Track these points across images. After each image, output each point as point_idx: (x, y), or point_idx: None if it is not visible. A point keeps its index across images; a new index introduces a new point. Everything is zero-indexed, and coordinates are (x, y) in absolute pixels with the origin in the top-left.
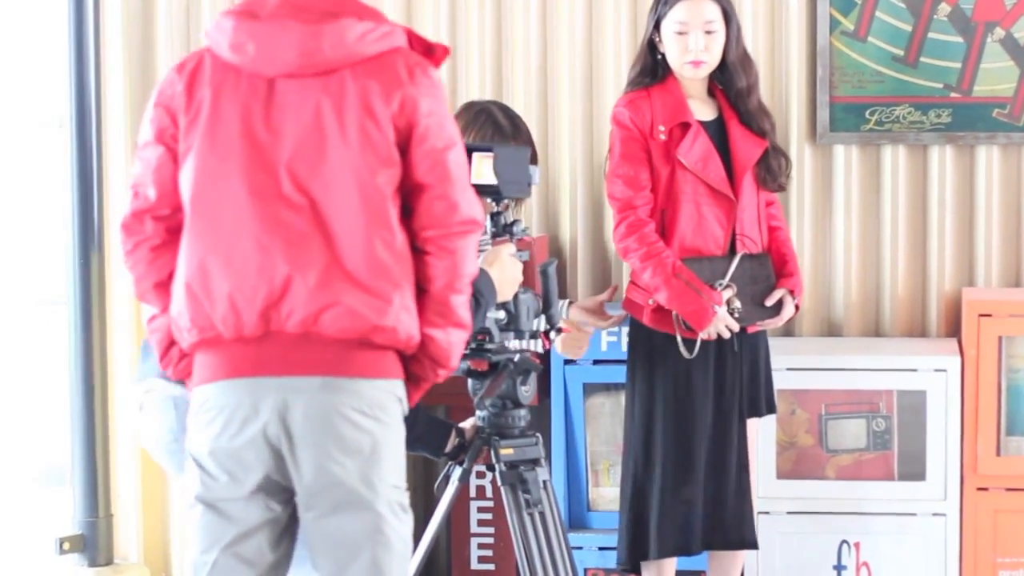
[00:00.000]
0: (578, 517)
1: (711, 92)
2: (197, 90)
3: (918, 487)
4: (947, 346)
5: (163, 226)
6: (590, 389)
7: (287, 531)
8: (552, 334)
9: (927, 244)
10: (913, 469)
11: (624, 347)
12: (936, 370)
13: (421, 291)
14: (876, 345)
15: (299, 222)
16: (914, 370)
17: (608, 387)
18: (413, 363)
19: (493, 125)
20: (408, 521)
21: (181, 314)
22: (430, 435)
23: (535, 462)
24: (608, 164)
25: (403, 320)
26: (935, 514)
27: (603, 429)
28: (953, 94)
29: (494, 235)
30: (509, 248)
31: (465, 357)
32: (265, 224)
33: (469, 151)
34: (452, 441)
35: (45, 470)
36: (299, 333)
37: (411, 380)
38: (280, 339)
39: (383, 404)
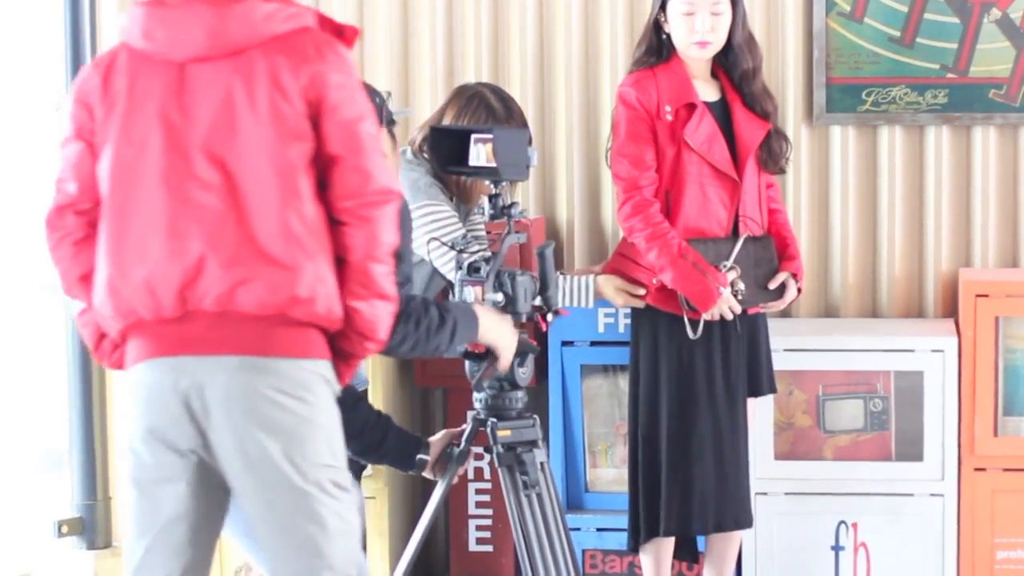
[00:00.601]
0: (576, 498)
1: (714, 74)
2: (113, 82)
3: (915, 467)
4: (944, 327)
5: (85, 220)
6: (588, 370)
7: (218, 514)
8: (549, 316)
9: (924, 225)
10: (910, 449)
11: (621, 329)
12: (933, 351)
13: (341, 263)
14: (873, 326)
15: (212, 201)
16: (911, 351)
17: (606, 368)
18: (341, 339)
19: (486, 109)
20: (346, 499)
21: (104, 303)
22: (399, 450)
23: (533, 443)
24: (612, 143)
25: (319, 292)
26: (932, 494)
27: (601, 410)
28: (949, 75)
29: (492, 217)
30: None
31: None
32: (178, 206)
33: (468, 134)
34: (419, 456)
35: (44, 454)
36: (216, 312)
37: (341, 357)
38: (199, 318)
39: (306, 384)
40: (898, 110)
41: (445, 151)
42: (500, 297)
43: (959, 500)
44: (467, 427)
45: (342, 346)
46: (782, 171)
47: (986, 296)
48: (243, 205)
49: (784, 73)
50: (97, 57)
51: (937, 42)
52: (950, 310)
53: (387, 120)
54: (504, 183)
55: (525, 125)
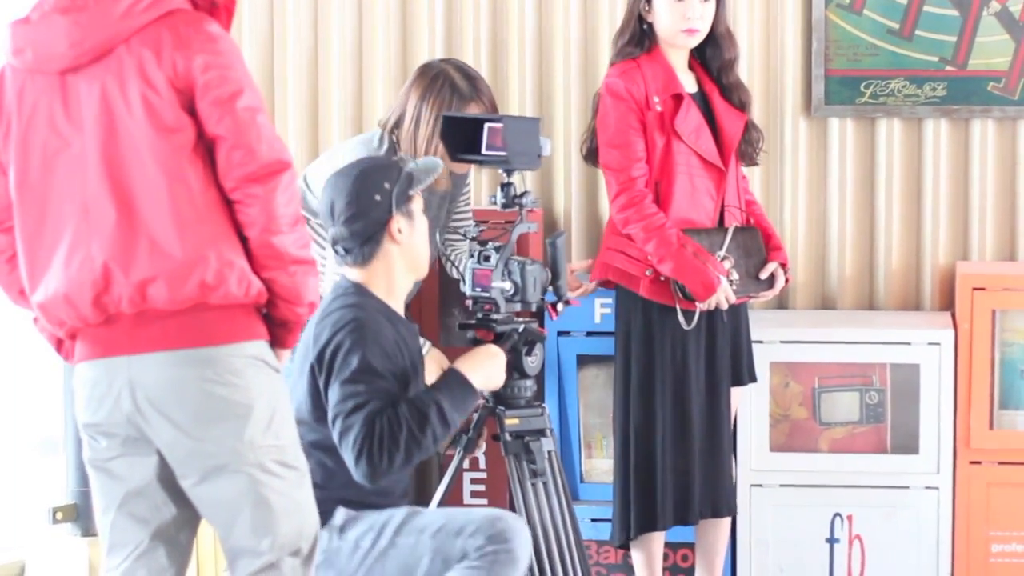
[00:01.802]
0: (570, 489)
1: (689, 65)
2: (3, 101)
3: (911, 460)
4: (941, 320)
5: (12, 237)
6: (583, 361)
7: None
8: (560, 306)
9: (921, 217)
10: (906, 442)
11: None
12: (930, 343)
13: (244, 240)
14: (870, 318)
15: (107, 208)
16: (908, 343)
17: (601, 359)
18: (271, 307)
19: (451, 88)
20: (292, 476)
21: (39, 316)
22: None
23: (541, 432)
24: (598, 134)
25: (228, 275)
26: (928, 487)
27: (596, 401)
28: (948, 67)
29: (504, 206)
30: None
31: (470, 327)
32: (79, 218)
33: (481, 122)
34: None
35: (41, 440)
36: (135, 313)
37: (277, 324)
38: (121, 320)
39: (236, 369)
40: (897, 102)
41: (457, 139)
42: (508, 286)
43: (954, 493)
44: (475, 415)
45: (273, 314)
46: (755, 162)
47: (983, 289)
48: (135, 207)
49: (783, 65)
50: None
51: (936, 35)
52: (947, 303)
53: (400, 192)
54: (514, 172)
55: (493, 103)
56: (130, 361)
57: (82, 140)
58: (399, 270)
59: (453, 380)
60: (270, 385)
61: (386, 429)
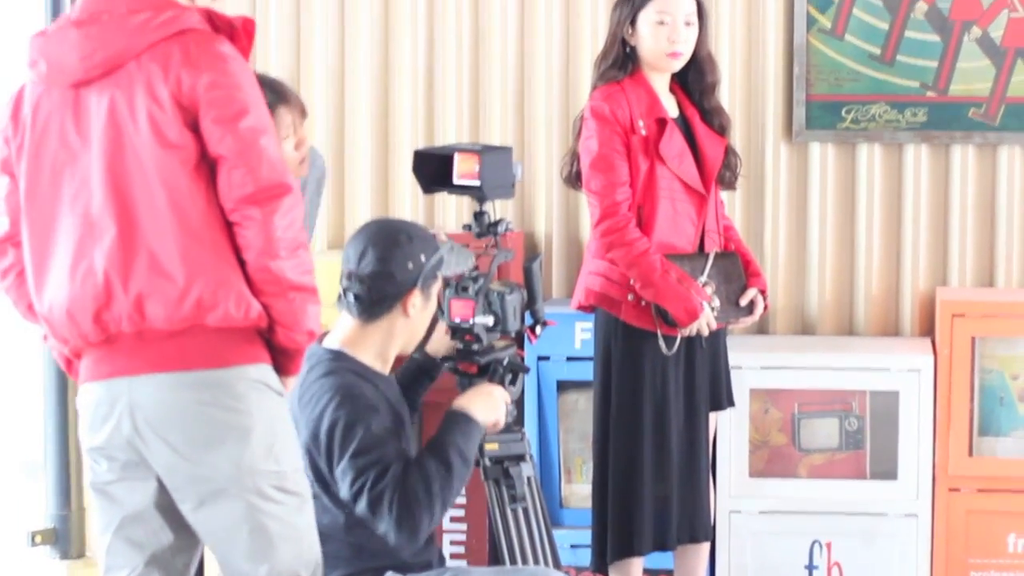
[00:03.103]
0: (550, 514)
1: (670, 88)
2: (20, 115)
3: (890, 487)
4: (920, 346)
5: (22, 252)
6: (564, 386)
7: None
8: (538, 328)
9: (901, 243)
10: (885, 469)
11: None
12: (909, 370)
13: (242, 263)
14: (850, 344)
15: (108, 222)
16: (887, 370)
17: (581, 384)
18: (271, 333)
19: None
20: (292, 502)
21: (46, 331)
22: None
23: (520, 458)
24: (581, 158)
25: (223, 296)
26: (907, 514)
27: (576, 426)
28: (929, 93)
29: (478, 235)
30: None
31: (453, 359)
32: (83, 232)
33: (454, 151)
34: None
35: (21, 464)
36: (134, 332)
37: (281, 352)
38: (121, 341)
39: (236, 393)
40: (877, 128)
41: (428, 172)
42: (491, 320)
43: (933, 520)
44: None
45: (273, 340)
46: (733, 187)
47: (963, 316)
48: (136, 222)
49: (764, 89)
50: (10, 91)
51: (917, 60)
52: (927, 329)
53: (430, 270)
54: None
55: (303, 109)
56: (130, 383)
57: (89, 153)
58: (395, 342)
59: (460, 419)
60: (272, 409)
61: (419, 485)
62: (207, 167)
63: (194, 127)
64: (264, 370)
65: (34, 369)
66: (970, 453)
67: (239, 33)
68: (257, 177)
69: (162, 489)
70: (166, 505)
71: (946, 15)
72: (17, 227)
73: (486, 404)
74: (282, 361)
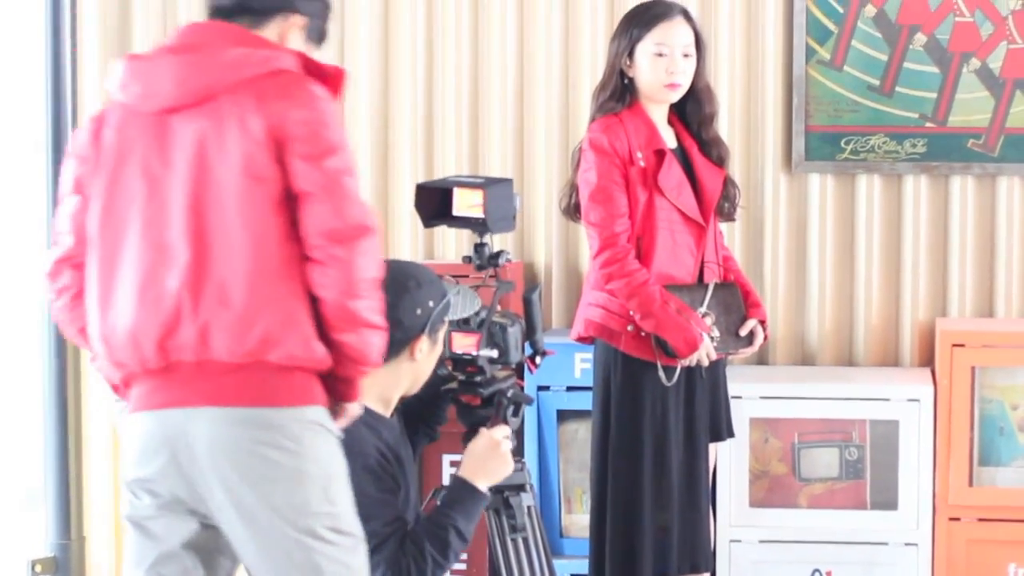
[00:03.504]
0: (551, 544)
1: (668, 120)
2: (102, 136)
3: (890, 516)
4: (920, 376)
5: (82, 274)
6: (563, 415)
7: (219, 555)
8: (537, 359)
9: (901, 274)
10: (885, 498)
11: None
12: (909, 400)
13: (318, 300)
14: (849, 374)
15: (184, 251)
16: (887, 400)
17: (581, 414)
18: (335, 364)
19: None
20: (346, 542)
21: (100, 354)
22: None
23: (520, 487)
24: (580, 189)
25: (289, 335)
26: (907, 544)
27: (576, 456)
28: (928, 124)
29: (479, 267)
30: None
31: (455, 391)
32: (156, 257)
33: (456, 185)
34: None
35: (22, 493)
36: (195, 362)
37: (341, 381)
38: (181, 370)
39: (293, 433)
40: (877, 159)
41: (429, 206)
42: (495, 353)
43: (934, 550)
44: (454, 470)
45: (338, 371)
46: (732, 219)
47: (962, 346)
48: (210, 253)
49: (763, 120)
50: (93, 113)
51: (916, 91)
52: (927, 359)
53: (438, 315)
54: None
55: None
56: (187, 415)
57: (171, 180)
58: (400, 385)
59: (464, 493)
60: (327, 451)
61: (412, 568)
62: (288, 203)
63: (280, 161)
64: (320, 412)
65: (35, 397)
66: (970, 483)
67: (331, 80)
68: (343, 215)
69: (202, 529)
70: (202, 545)
71: (945, 46)
72: (80, 247)
73: (494, 467)
74: (342, 388)
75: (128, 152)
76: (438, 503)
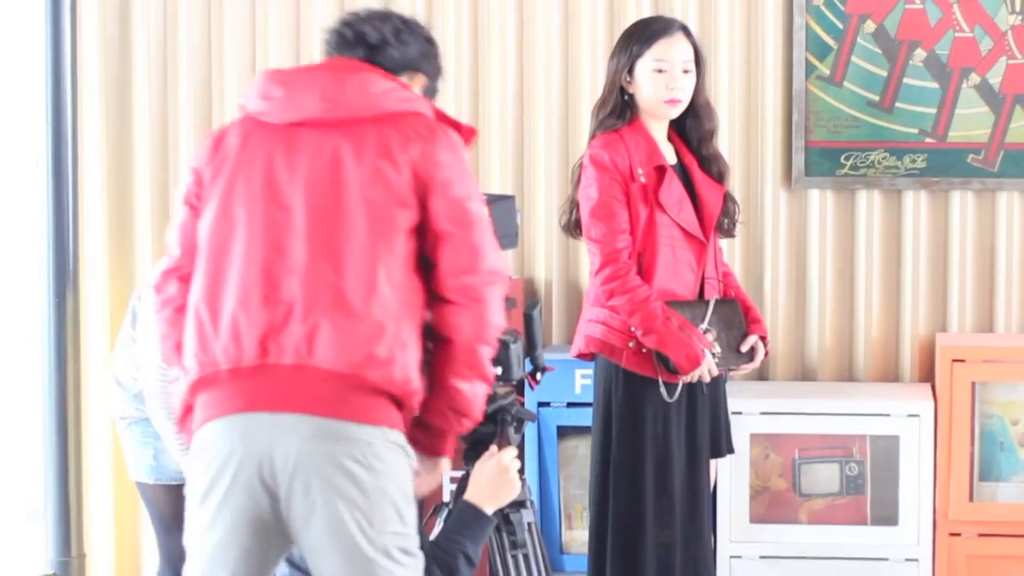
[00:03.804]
0: (551, 560)
1: (668, 136)
2: (224, 146)
3: (891, 532)
4: (920, 391)
5: (187, 287)
6: (564, 432)
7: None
8: (538, 375)
9: (901, 289)
10: (886, 514)
11: None
12: (909, 415)
13: (446, 341)
14: (850, 390)
15: (306, 253)
16: (887, 415)
17: (582, 430)
18: (432, 414)
19: None
20: (411, 563)
21: (189, 352)
22: None
23: (520, 504)
24: (580, 206)
25: (398, 355)
26: (908, 559)
27: (577, 472)
28: (928, 139)
29: None
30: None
31: None
32: (273, 256)
33: None
34: None
35: (23, 509)
36: (293, 366)
37: (428, 431)
38: (274, 373)
39: (377, 451)
40: (877, 174)
41: None
42: (498, 370)
43: (934, 565)
44: (455, 486)
45: (431, 421)
46: (732, 235)
47: (963, 361)
48: (334, 261)
49: (763, 136)
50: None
51: (916, 107)
52: (927, 374)
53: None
54: None
55: None
56: (275, 421)
57: (294, 185)
58: None
59: (472, 518)
60: (406, 472)
61: None
62: (416, 238)
63: (421, 197)
64: (402, 437)
65: (36, 413)
66: (971, 498)
67: (464, 133)
68: (486, 260)
69: (262, 547)
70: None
71: (944, 62)
72: (187, 259)
73: (503, 493)
74: (434, 442)
75: (250, 160)
76: (445, 526)
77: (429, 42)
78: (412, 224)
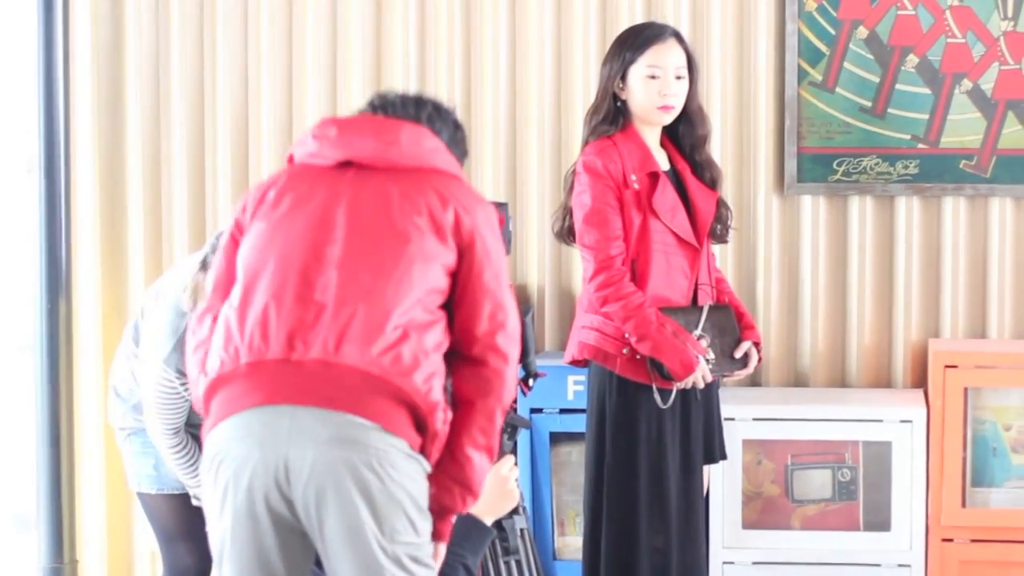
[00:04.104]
0: (543, 566)
1: (660, 142)
2: (272, 183)
3: (883, 538)
4: (913, 397)
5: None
6: (557, 438)
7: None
8: (531, 381)
9: (894, 295)
10: (878, 520)
11: None
12: (902, 421)
13: (464, 404)
14: (842, 396)
15: (343, 260)
16: (880, 421)
17: (574, 436)
18: (441, 491)
19: None
20: (424, 573)
21: (211, 354)
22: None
23: (513, 510)
24: (574, 212)
25: (423, 363)
26: (900, 565)
27: (570, 478)
28: (920, 145)
29: None
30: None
31: None
32: (312, 262)
33: None
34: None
35: (13, 516)
36: (318, 360)
37: (437, 512)
38: (298, 368)
39: (392, 460)
40: (869, 180)
41: None
42: None
43: (927, 571)
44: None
45: (440, 500)
46: (725, 240)
47: (955, 367)
48: (372, 268)
49: (755, 142)
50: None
51: (908, 112)
52: (919, 380)
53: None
54: None
55: None
56: (293, 420)
57: (338, 206)
58: None
59: (473, 530)
60: (421, 482)
61: None
62: (450, 280)
63: (462, 250)
64: (418, 452)
65: (27, 421)
66: (963, 504)
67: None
68: (515, 324)
69: (280, 547)
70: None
71: (937, 68)
72: (220, 298)
73: (503, 504)
74: (436, 524)
75: (298, 190)
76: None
77: (457, 127)
78: (447, 266)
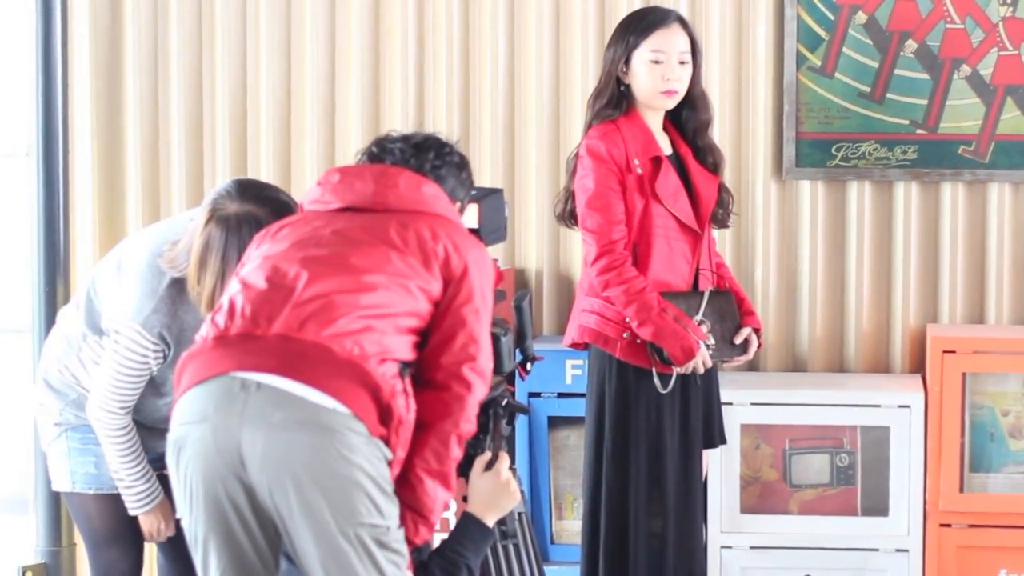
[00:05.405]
0: (541, 550)
1: (663, 127)
2: (280, 225)
3: (881, 523)
4: (911, 382)
5: None
6: (555, 422)
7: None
8: (528, 365)
9: (892, 280)
10: (876, 505)
11: None
12: (900, 406)
13: (420, 427)
14: (840, 380)
15: (324, 254)
16: (878, 406)
17: (573, 420)
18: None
19: (255, 225)
20: (392, 557)
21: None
22: None
23: None
24: (576, 196)
25: (384, 357)
26: (898, 550)
27: (568, 462)
28: (919, 131)
29: None
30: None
31: None
32: (292, 254)
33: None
34: None
35: (10, 499)
36: (279, 334)
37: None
38: (260, 340)
39: (350, 442)
40: (868, 165)
41: None
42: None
43: (924, 556)
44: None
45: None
46: (726, 225)
47: (953, 352)
48: (351, 266)
49: (754, 127)
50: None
51: (907, 98)
52: (917, 365)
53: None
54: None
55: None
56: (247, 392)
57: (334, 225)
58: None
59: (476, 531)
60: (381, 464)
61: None
62: (433, 310)
63: (445, 281)
64: (380, 443)
65: (23, 404)
66: (961, 489)
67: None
68: (486, 363)
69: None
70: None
71: (936, 53)
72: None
73: (503, 502)
74: None
75: (293, 228)
76: (447, 536)
77: (462, 168)
78: (429, 292)
